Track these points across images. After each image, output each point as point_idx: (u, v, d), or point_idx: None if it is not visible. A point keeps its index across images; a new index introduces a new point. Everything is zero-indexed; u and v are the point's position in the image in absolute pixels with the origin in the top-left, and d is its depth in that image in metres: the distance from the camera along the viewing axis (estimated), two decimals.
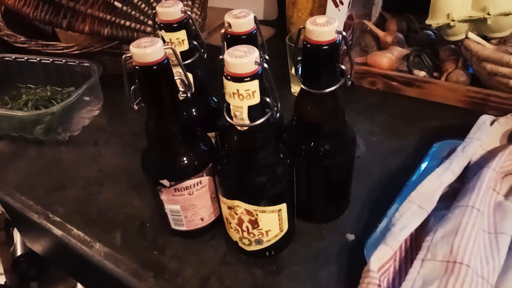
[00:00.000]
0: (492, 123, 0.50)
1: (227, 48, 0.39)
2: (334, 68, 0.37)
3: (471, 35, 0.59)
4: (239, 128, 0.35)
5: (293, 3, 0.77)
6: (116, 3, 0.65)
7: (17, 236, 0.90)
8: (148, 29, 0.69)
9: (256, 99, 0.33)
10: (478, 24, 0.58)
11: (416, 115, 0.63)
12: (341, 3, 0.60)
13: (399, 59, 0.69)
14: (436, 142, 0.53)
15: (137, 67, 0.35)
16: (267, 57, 0.44)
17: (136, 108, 0.38)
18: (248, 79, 0.32)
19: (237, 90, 0.32)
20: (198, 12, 0.76)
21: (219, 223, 0.46)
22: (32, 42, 0.72)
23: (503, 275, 0.37)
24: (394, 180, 0.51)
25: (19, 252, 0.91)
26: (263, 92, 0.33)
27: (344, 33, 0.35)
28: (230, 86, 0.32)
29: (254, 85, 0.32)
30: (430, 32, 0.73)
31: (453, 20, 0.58)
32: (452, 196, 0.43)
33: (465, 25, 0.59)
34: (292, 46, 0.63)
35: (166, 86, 0.37)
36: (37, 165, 0.61)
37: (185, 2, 0.71)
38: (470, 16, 0.57)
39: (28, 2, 0.67)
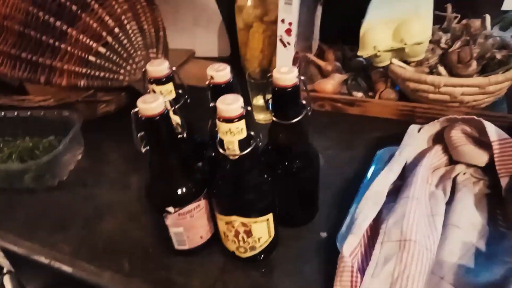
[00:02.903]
0: (419, 130, 0.63)
1: (211, 95, 0.49)
2: (297, 103, 0.47)
3: (395, 61, 0.73)
4: (231, 157, 0.44)
5: (245, 43, 0.88)
6: (90, 57, 0.73)
7: (8, 283, 0.91)
8: (121, 77, 0.76)
9: (243, 134, 0.43)
10: (399, 52, 0.72)
11: (360, 129, 0.75)
12: (288, 43, 0.72)
13: (339, 83, 0.82)
14: (379, 150, 0.66)
15: (143, 118, 0.44)
16: None
17: (143, 151, 0.46)
18: (237, 120, 0.41)
19: (229, 129, 0.42)
20: (162, 57, 0.85)
21: (214, 239, 0.55)
22: (7, 99, 0.77)
23: (441, 244, 0.49)
24: (351, 184, 0.62)
25: None
26: (248, 127, 0.43)
27: (302, 78, 0.46)
28: (223, 126, 0.42)
29: (242, 123, 0.42)
30: (361, 59, 0.87)
31: (379, 51, 0.71)
32: (396, 191, 0.55)
33: (389, 54, 0.73)
34: (251, 82, 0.74)
35: (167, 130, 0.45)
36: (33, 211, 0.65)
37: (151, 50, 0.79)
38: (392, 47, 0.71)
39: (5, 63, 0.72)
